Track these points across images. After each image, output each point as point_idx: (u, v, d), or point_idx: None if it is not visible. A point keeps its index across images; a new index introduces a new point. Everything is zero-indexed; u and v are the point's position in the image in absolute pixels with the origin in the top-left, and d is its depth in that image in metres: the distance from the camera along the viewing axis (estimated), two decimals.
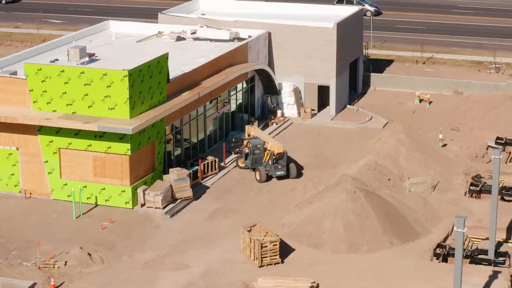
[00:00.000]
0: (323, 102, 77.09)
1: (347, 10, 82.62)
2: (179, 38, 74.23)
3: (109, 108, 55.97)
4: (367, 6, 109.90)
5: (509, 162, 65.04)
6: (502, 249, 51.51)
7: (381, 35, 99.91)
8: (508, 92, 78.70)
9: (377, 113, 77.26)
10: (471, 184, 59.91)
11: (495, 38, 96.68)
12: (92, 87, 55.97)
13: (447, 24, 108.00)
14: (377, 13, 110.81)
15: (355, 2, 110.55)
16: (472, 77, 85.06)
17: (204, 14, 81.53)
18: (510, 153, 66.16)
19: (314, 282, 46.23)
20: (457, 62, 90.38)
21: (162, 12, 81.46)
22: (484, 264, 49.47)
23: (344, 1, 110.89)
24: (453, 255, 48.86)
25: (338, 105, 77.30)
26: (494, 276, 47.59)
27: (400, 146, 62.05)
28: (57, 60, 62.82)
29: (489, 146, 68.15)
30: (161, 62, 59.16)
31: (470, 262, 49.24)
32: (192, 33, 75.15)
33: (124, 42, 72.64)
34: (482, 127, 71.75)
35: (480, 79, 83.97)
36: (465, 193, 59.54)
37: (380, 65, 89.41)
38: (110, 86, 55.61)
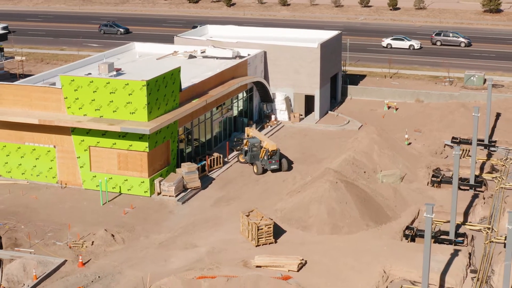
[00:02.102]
0: (309, 108, 74.64)
1: (328, 34, 79.85)
2: (191, 56, 72.04)
3: (130, 113, 53.31)
4: (461, 38, 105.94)
5: (463, 157, 61.73)
6: (461, 230, 48.87)
7: (356, 55, 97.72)
8: (460, 101, 76.88)
9: (354, 118, 74.96)
10: (433, 176, 57.48)
11: (448, 58, 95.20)
12: (116, 95, 53.36)
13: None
14: (469, 44, 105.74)
15: (451, 35, 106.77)
16: (430, 88, 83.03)
17: (211, 37, 79.56)
18: (463, 150, 62.86)
19: (302, 259, 43.78)
20: (418, 76, 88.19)
21: (178, 35, 79.48)
22: (446, 243, 46.87)
23: (442, 34, 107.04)
24: (420, 236, 47.27)
25: (322, 111, 74.87)
26: (455, 254, 45.06)
27: (373, 144, 59.80)
28: (90, 73, 60.42)
29: (446, 144, 65.96)
30: (175, 74, 56.48)
31: (434, 242, 46.35)
32: (201, 52, 72.87)
33: (146, 59, 70.03)
34: (440, 129, 69.54)
35: (437, 90, 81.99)
36: (428, 183, 57.04)
37: (355, 79, 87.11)
38: (131, 94, 53.03)
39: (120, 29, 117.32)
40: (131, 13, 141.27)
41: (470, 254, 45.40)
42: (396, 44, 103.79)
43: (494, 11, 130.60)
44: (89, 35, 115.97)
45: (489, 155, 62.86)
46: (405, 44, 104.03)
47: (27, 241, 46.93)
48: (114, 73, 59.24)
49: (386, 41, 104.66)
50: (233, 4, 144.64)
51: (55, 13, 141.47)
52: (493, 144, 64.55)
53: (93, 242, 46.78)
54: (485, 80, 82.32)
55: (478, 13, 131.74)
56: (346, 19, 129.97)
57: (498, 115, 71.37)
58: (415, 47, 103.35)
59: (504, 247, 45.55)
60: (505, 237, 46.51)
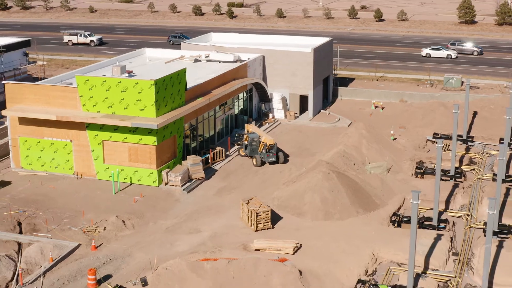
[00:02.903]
0: (303, 107, 72.94)
1: (321, 40, 78.31)
2: (196, 60, 70.38)
3: (140, 109, 51.79)
4: (474, 48, 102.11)
5: (444, 151, 60.34)
6: (443, 217, 47.46)
7: (346, 60, 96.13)
8: (440, 100, 75.01)
9: (344, 116, 73.15)
10: (416, 168, 55.98)
11: (429, 63, 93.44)
12: (127, 93, 51.88)
13: (393, 53, 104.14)
14: (481, 53, 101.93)
15: (465, 44, 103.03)
16: (413, 89, 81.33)
17: (215, 43, 77.92)
18: (444, 144, 61.49)
19: (298, 243, 42.34)
20: (402, 79, 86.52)
21: (184, 41, 77.41)
22: (429, 229, 45.42)
23: (456, 44, 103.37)
24: (405, 222, 46.15)
25: (315, 110, 73.19)
26: (438, 238, 43.67)
27: (362, 139, 58.58)
28: (104, 75, 58.25)
29: (428, 139, 64.31)
30: (181, 74, 54.98)
31: (419, 227, 44.79)
32: (206, 56, 71.19)
33: (155, 63, 68.25)
34: (422, 126, 68.02)
35: (419, 91, 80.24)
36: (412, 174, 55.57)
37: (345, 81, 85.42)
38: (140, 92, 51.51)
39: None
40: (143, 25, 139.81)
41: (451, 238, 44.13)
42: (435, 53, 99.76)
43: (469, 22, 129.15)
44: (105, 42, 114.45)
45: (468, 149, 61.46)
46: (443, 53, 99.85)
47: (44, 227, 45.55)
48: (126, 75, 57.71)
49: (425, 51, 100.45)
50: (235, 16, 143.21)
51: (75, 25, 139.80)
52: (470, 139, 63.24)
53: (105, 227, 45.37)
54: (462, 83, 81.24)
55: (455, 24, 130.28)
56: (337, 29, 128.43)
57: (475, 113, 70.00)
58: (452, 56, 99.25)
59: (483, 232, 44.52)
60: (484, 222, 45.50)
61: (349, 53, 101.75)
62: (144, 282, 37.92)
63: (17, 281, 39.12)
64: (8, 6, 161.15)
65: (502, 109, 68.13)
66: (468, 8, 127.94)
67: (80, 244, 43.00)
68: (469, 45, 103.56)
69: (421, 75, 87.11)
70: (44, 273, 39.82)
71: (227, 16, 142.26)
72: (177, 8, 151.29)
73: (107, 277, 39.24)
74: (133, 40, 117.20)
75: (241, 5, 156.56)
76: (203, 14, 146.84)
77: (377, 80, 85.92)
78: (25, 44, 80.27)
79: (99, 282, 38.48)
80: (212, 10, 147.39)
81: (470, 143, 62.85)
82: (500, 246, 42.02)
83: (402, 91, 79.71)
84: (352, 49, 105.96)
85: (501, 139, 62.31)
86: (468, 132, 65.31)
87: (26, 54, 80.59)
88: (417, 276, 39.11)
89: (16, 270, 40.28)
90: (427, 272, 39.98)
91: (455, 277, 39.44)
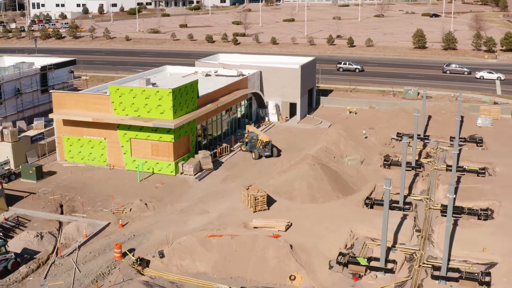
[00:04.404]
0: (292, 112, 69.72)
1: (306, 59, 74.92)
2: (207, 75, 67.29)
3: (160, 113, 48.89)
4: (464, 68, 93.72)
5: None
6: (407, 200, 44.50)
7: (326, 76, 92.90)
8: (401, 107, 71.47)
9: (325, 119, 69.77)
10: (384, 160, 52.93)
11: (391, 78, 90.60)
12: (150, 99, 48.94)
13: (363, 71, 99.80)
14: (470, 73, 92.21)
15: (458, 66, 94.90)
16: (380, 99, 77.79)
17: (222, 62, 74.72)
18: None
19: (289, 222, 39.41)
20: (371, 91, 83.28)
21: (198, 60, 74.52)
22: (396, 210, 42.32)
23: (451, 65, 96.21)
24: (376, 204, 43.19)
25: (302, 114, 70.04)
26: (404, 217, 40.66)
27: (340, 137, 55.68)
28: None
29: (392, 138, 61.22)
30: (194, 85, 52.16)
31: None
32: (214, 72, 67.98)
33: (174, 77, 65.04)
34: (388, 127, 64.68)
35: (385, 100, 76.78)
36: (380, 166, 52.51)
37: (326, 92, 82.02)
38: (161, 99, 48.66)
39: None
40: (167, 50, 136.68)
41: (415, 217, 41.21)
42: (487, 76, 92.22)
43: (421, 48, 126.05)
44: (136, 63, 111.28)
45: (425, 145, 58.54)
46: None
47: (81, 208, 42.72)
48: (150, 86, 54.79)
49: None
50: (239, 43, 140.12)
51: (113, 50, 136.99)
52: (427, 137, 60.23)
53: (131, 209, 42.53)
54: (418, 93, 78.19)
55: (410, 49, 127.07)
56: (318, 53, 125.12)
57: (429, 117, 66.83)
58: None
59: (440, 212, 41.63)
60: (441, 204, 42.56)
61: (328, 71, 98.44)
62: (162, 254, 35.07)
63: (56, 253, 36.19)
64: (62, 36, 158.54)
65: (451, 114, 65.43)
66: (420, 36, 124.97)
67: (109, 223, 40.19)
68: (460, 67, 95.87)
69: (385, 87, 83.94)
70: (79, 247, 36.98)
71: (232, 43, 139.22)
72: (194, 37, 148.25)
73: (131, 250, 36.32)
74: (159, 61, 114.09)
75: (243, 35, 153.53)
76: (214, 41, 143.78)
77: (351, 91, 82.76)
78: (71, 63, 77.10)
79: (124, 254, 35.47)
80: (220, 39, 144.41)
81: (426, 141, 59.93)
82: (455, 224, 39.06)
83: (371, 99, 76.58)
84: (331, 68, 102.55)
85: (451, 137, 59.39)
86: (425, 131, 62.28)
87: (72, 71, 77.45)
88: (388, 249, 36.13)
89: (56, 244, 37.30)
90: (396, 246, 37.05)
91: (419, 249, 36.60)
